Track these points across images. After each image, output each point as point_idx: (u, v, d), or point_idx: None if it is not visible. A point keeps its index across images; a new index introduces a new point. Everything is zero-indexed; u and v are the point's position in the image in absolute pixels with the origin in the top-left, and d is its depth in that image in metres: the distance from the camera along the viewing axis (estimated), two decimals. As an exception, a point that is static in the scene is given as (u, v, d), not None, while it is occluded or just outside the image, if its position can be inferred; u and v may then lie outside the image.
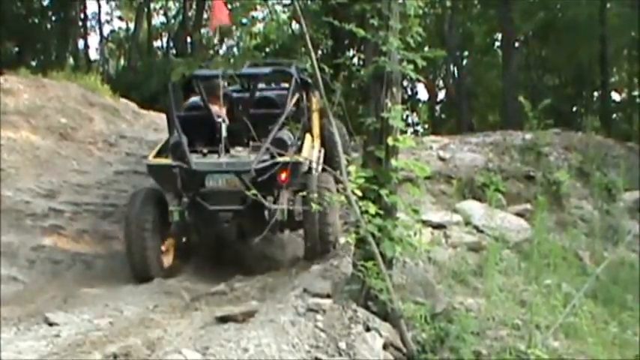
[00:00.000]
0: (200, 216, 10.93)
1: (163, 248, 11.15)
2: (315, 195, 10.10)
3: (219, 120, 11.09)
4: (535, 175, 15.21)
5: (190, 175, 10.64)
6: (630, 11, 27.80)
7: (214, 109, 11.48)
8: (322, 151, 13.43)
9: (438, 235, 11.80)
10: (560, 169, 15.61)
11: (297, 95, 11.78)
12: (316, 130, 13.12)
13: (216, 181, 10.64)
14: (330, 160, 12.47)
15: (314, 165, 11.72)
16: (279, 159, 10.49)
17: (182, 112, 12.03)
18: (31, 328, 8.50)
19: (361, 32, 8.36)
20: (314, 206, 9.39)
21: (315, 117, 13.15)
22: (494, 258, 9.98)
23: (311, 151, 11.73)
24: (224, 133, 10.89)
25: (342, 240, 11.09)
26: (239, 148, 11.13)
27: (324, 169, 10.84)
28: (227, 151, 10.98)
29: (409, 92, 41.02)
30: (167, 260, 11.23)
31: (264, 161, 10.64)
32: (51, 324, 8.51)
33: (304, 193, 10.56)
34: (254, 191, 9.49)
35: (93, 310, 9.11)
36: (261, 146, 10.68)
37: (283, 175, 10.61)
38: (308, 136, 11.46)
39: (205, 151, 11.00)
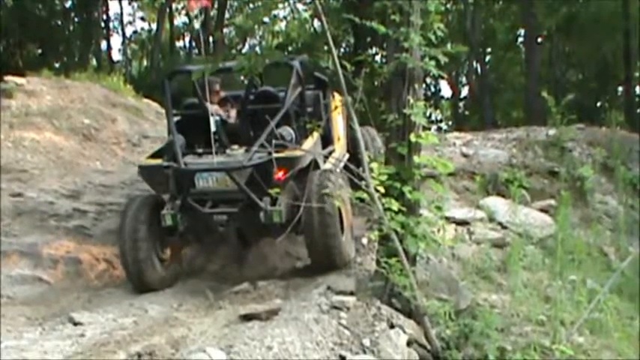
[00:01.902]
0: (194, 220, 10.25)
1: (164, 257, 10.45)
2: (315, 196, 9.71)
3: (212, 117, 10.50)
4: (559, 171, 15.12)
5: (180, 175, 10.01)
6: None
7: (213, 107, 11.01)
8: (346, 155, 12.52)
9: (461, 231, 11.78)
10: (584, 164, 15.51)
11: (299, 89, 10.87)
12: (337, 131, 12.37)
13: (206, 181, 9.94)
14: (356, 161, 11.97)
15: (322, 164, 10.90)
16: (275, 155, 9.62)
17: (181, 111, 11.51)
18: (56, 327, 8.54)
19: (382, 29, 8.36)
20: (314, 207, 9.49)
21: (338, 119, 12.47)
22: (518, 254, 9.96)
23: (314, 148, 10.67)
24: (213, 128, 10.23)
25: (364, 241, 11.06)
26: (235, 147, 10.42)
27: (348, 169, 10.09)
28: (224, 150, 10.36)
29: (432, 89, 40.98)
30: (171, 269, 10.58)
31: (259, 158, 9.82)
32: (76, 323, 8.55)
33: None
34: (246, 189, 9.68)
35: (117, 310, 9.14)
36: (262, 144, 9.93)
37: (279, 173, 9.76)
38: (315, 134, 10.56)
39: (201, 151, 10.40)
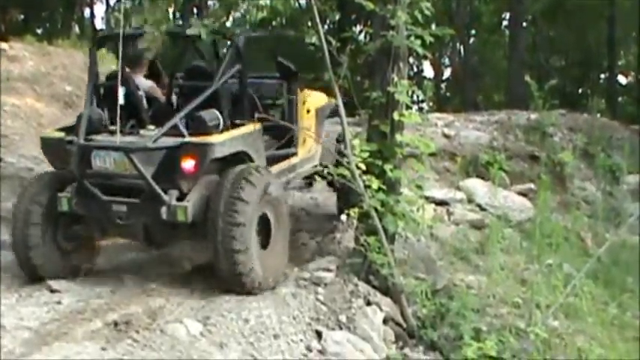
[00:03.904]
0: (89, 207, 8.72)
1: (66, 246, 9.11)
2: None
3: (122, 88, 8.85)
4: (539, 155, 15.19)
5: (78, 152, 8.49)
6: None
7: (139, 80, 9.54)
8: (310, 165, 10.60)
9: (440, 211, 11.82)
10: (564, 149, 15.58)
11: (236, 67, 9.10)
12: (302, 133, 10.25)
13: (103, 161, 8.44)
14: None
15: (258, 161, 9.04)
16: (186, 139, 8.35)
17: (105, 83, 9.68)
18: (32, 294, 8.49)
19: (370, 5, 8.34)
20: (219, 213, 8.04)
21: (307, 116, 10.55)
22: (497, 236, 10.00)
23: (251, 141, 9.03)
24: (121, 101, 8.66)
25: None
26: (151, 127, 8.94)
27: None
28: (138, 131, 8.98)
29: (415, 69, 40.90)
30: (75, 259, 9.21)
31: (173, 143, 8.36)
32: (53, 291, 8.50)
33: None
34: (146, 176, 8.17)
35: (94, 279, 9.10)
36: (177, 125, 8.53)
37: (188, 163, 8.24)
38: (251, 126, 9.00)
39: (113, 128, 8.62)
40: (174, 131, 8.45)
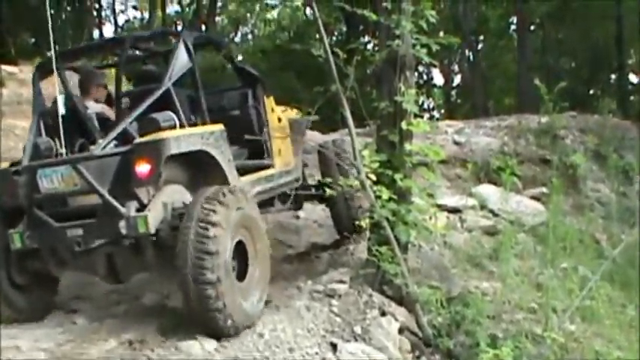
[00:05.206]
0: (43, 239, 7.83)
1: (22, 282, 8.28)
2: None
3: (60, 96, 8.21)
4: (551, 159, 15.12)
5: (24, 178, 7.77)
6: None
7: (90, 103, 8.59)
8: (289, 178, 9.93)
9: (453, 219, 11.80)
10: (576, 152, 15.55)
11: (187, 66, 8.36)
12: (277, 144, 9.68)
13: (50, 180, 7.60)
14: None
15: (230, 169, 8.24)
16: (137, 140, 7.49)
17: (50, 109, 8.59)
18: (47, 316, 8.52)
19: (373, 16, 8.37)
20: (189, 242, 6.96)
21: (279, 125, 9.89)
22: (510, 242, 9.95)
23: (212, 141, 8.04)
24: (62, 111, 7.93)
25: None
26: (101, 141, 7.74)
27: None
28: (86, 148, 8.01)
29: (424, 77, 40.96)
30: (34, 298, 8.44)
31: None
32: (67, 312, 8.53)
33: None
34: (96, 186, 7.37)
35: (108, 298, 9.13)
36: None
37: (142, 166, 7.31)
38: (211, 126, 8.25)
39: (62, 152, 7.93)
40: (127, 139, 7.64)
